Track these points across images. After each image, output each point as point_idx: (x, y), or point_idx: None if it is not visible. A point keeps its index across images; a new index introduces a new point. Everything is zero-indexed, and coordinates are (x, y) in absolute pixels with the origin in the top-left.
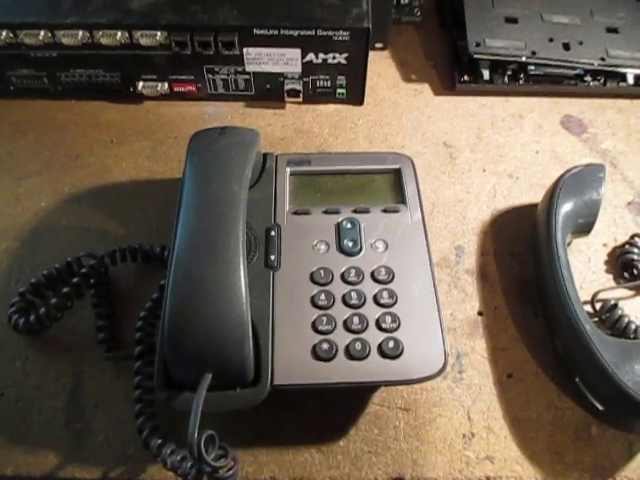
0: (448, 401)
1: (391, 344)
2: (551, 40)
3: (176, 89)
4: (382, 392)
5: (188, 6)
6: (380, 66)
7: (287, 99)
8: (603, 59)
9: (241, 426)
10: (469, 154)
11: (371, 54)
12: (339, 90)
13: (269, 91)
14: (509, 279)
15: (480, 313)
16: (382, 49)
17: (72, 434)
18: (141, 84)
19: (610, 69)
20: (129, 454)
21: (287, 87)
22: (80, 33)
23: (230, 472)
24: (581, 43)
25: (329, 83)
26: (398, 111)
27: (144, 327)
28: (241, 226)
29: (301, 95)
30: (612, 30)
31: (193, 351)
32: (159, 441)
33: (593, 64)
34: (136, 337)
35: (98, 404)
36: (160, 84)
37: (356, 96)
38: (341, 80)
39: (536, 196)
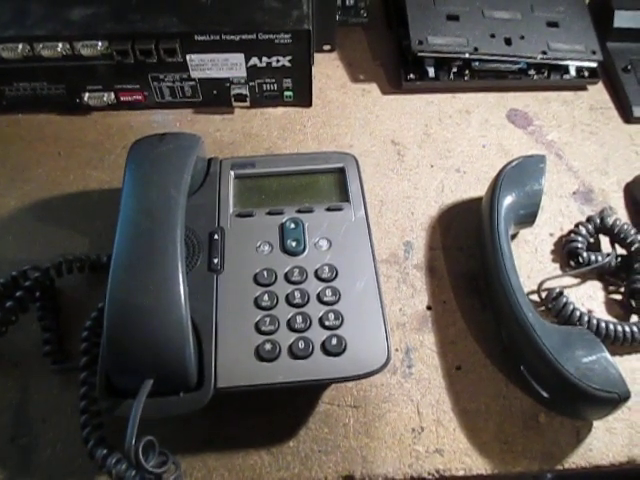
0: (397, 396)
1: (334, 341)
2: (493, 36)
3: (123, 98)
4: (332, 390)
5: (128, 15)
6: (328, 68)
7: (235, 104)
8: (545, 52)
9: (190, 431)
10: (417, 151)
11: (319, 56)
12: (286, 93)
13: (216, 97)
14: (457, 273)
15: (429, 307)
16: (330, 51)
17: (18, 449)
18: (87, 95)
19: (552, 62)
20: (77, 466)
21: (234, 92)
22: (20, 46)
23: (172, 477)
24: (522, 37)
25: (275, 86)
26: (346, 111)
27: (90, 337)
28: (179, 231)
29: (248, 99)
30: (552, 24)
31: (132, 358)
32: (104, 451)
33: (535, 58)
34: (82, 347)
35: (46, 418)
36: (106, 94)
37: (304, 98)
38: (287, 83)
39: (483, 190)
